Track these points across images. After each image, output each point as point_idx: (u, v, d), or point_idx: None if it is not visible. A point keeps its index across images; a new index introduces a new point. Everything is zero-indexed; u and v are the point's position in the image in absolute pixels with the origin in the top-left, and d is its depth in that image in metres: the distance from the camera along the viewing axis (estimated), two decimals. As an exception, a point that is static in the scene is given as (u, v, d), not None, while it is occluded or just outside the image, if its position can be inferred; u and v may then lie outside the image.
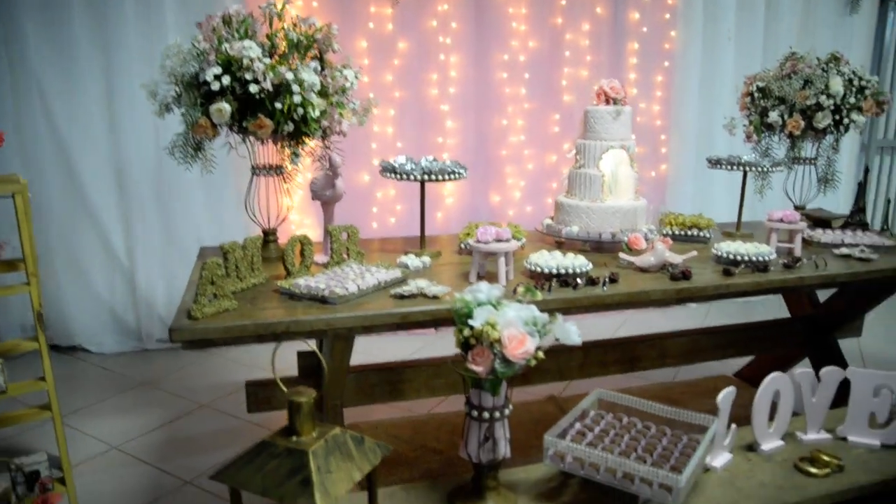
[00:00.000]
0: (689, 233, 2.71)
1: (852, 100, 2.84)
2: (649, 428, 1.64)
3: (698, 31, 4.42)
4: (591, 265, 2.15)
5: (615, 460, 1.39)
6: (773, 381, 1.72)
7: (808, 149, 3.18)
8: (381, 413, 3.04)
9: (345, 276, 2.05)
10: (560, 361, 2.56)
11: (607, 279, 2.04)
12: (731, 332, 2.79)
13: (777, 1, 4.62)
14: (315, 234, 3.71)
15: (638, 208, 2.53)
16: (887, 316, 4.64)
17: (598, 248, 2.56)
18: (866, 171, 2.94)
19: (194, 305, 1.77)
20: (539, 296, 1.45)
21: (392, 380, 2.41)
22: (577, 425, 1.65)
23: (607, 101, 2.53)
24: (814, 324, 2.96)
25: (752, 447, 1.78)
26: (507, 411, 1.43)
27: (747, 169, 2.79)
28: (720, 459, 1.69)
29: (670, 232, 2.73)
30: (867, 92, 2.90)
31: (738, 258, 2.28)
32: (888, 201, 2.80)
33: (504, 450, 1.45)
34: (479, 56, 4.06)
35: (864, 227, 2.94)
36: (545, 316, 1.39)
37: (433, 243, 2.64)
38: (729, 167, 2.80)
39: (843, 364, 2.94)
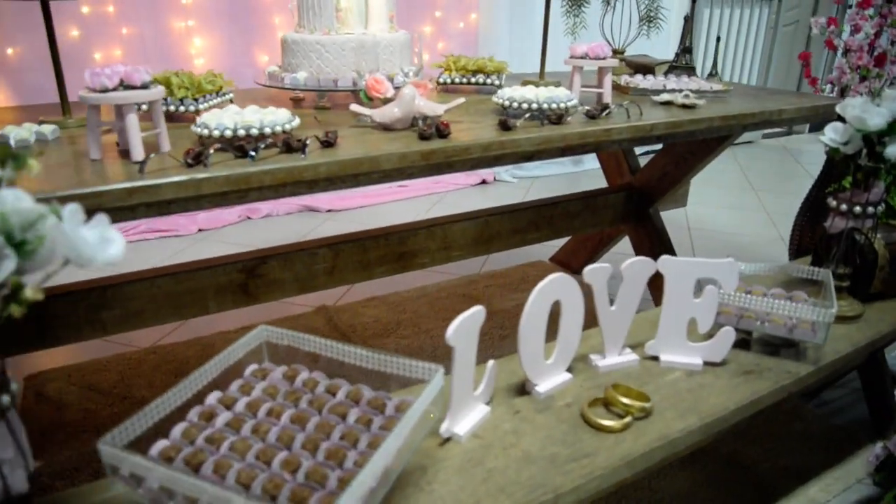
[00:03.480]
0: (474, 80, 2.00)
1: None
2: (335, 392, 0.95)
3: None
4: (297, 121, 1.39)
5: (210, 492, 0.68)
6: (547, 288, 1.08)
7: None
8: (84, 351, 2.21)
9: None
10: (296, 268, 1.83)
11: (308, 142, 1.28)
12: (529, 210, 2.18)
13: None
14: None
15: (393, 42, 1.77)
16: (714, 179, 4.32)
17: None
18: (693, 1, 2.33)
19: None
20: (34, 167, 0.67)
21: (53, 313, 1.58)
22: (213, 397, 0.93)
23: None
24: (632, 194, 2.42)
25: (525, 388, 1.17)
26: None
27: (549, -7, 2.09)
28: (470, 419, 1.05)
29: (449, 80, 2.01)
30: None
31: (524, 107, 1.60)
32: (718, 39, 2.22)
33: (13, 482, 0.70)
34: None
35: (691, 71, 2.38)
36: (36, 209, 0.62)
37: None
38: (524, -10, 2.08)
39: (665, 241, 2.45)
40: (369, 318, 2.40)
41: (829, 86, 2.44)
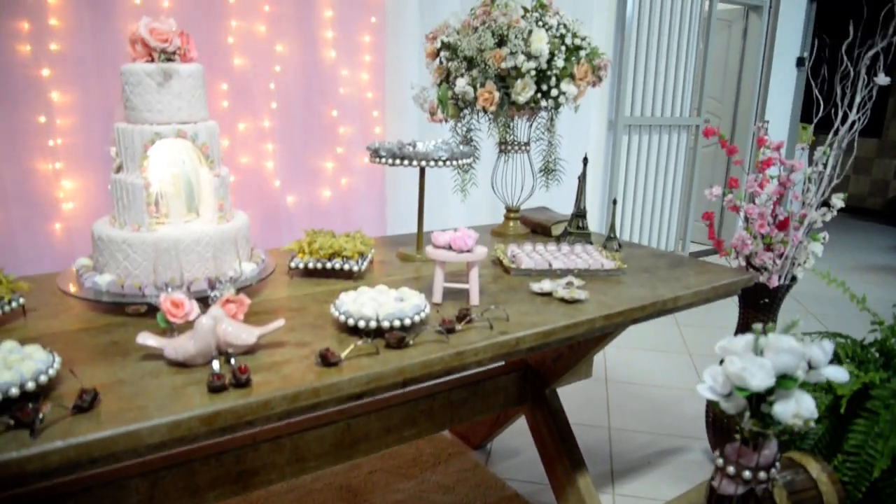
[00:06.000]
0: (332, 266, 1.75)
1: (560, 63, 2.04)
2: None
3: (413, -21, 3.51)
4: (54, 367, 1.09)
5: None
6: None
7: (522, 128, 2.38)
8: None
9: None
10: (98, 507, 1.48)
11: (43, 415, 0.98)
12: (402, 406, 1.89)
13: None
14: None
15: (220, 237, 1.50)
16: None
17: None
18: (585, 162, 2.17)
19: None
20: None
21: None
22: None
23: (150, 57, 1.46)
24: (526, 374, 2.16)
25: None
26: None
27: (422, 164, 1.88)
28: None
29: (301, 265, 1.75)
30: (582, 53, 2.11)
31: (360, 325, 1.34)
32: (614, 202, 2.05)
33: None
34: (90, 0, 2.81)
35: (587, 237, 2.19)
36: None
37: None
38: (392, 161, 1.87)
39: (562, 426, 2.17)
40: (223, 527, 2.02)
41: (734, 250, 2.28)
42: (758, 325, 1.11)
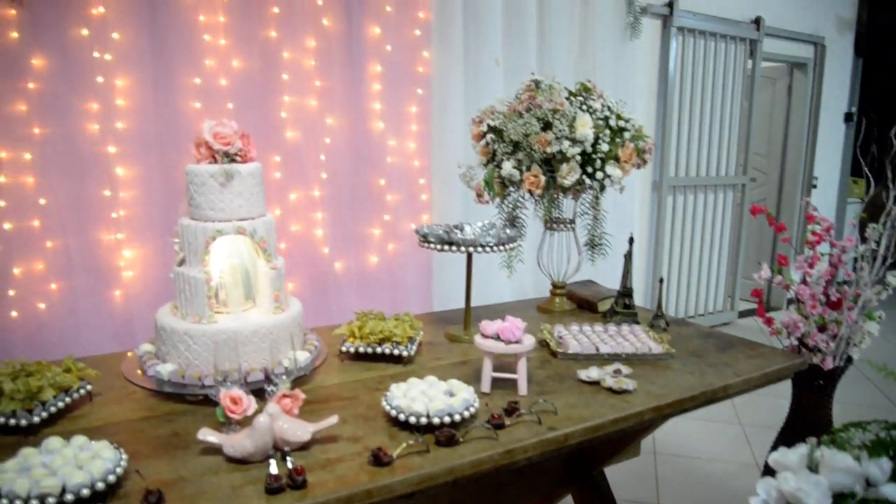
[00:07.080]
0: (382, 351, 1.78)
1: (605, 147, 2.07)
2: None
3: (458, 52, 3.62)
4: (122, 465, 1.14)
5: None
6: None
7: (567, 204, 2.41)
8: None
9: None
10: None
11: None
12: (445, 487, 1.89)
13: (549, 22, 3.94)
14: None
15: (276, 327, 1.56)
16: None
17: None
18: (631, 242, 2.18)
19: None
20: None
21: None
22: None
23: (213, 158, 1.54)
24: (572, 455, 2.15)
25: None
26: None
27: (469, 250, 1.92)
28: None
29: (352, 349, 1.79)
30: (626, 135, 2.15)
31: (412, 420, 1.37)
32: (661, 280, 2.06)
33: None
34: (160, 78, 2.97)
35: (633, 317, 2.18)
36: None
37: None
38: (440, 246, 1.91)
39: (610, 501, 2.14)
40: None
41: (785, 330, 2.24)
42: (812, 439, 1.10)
